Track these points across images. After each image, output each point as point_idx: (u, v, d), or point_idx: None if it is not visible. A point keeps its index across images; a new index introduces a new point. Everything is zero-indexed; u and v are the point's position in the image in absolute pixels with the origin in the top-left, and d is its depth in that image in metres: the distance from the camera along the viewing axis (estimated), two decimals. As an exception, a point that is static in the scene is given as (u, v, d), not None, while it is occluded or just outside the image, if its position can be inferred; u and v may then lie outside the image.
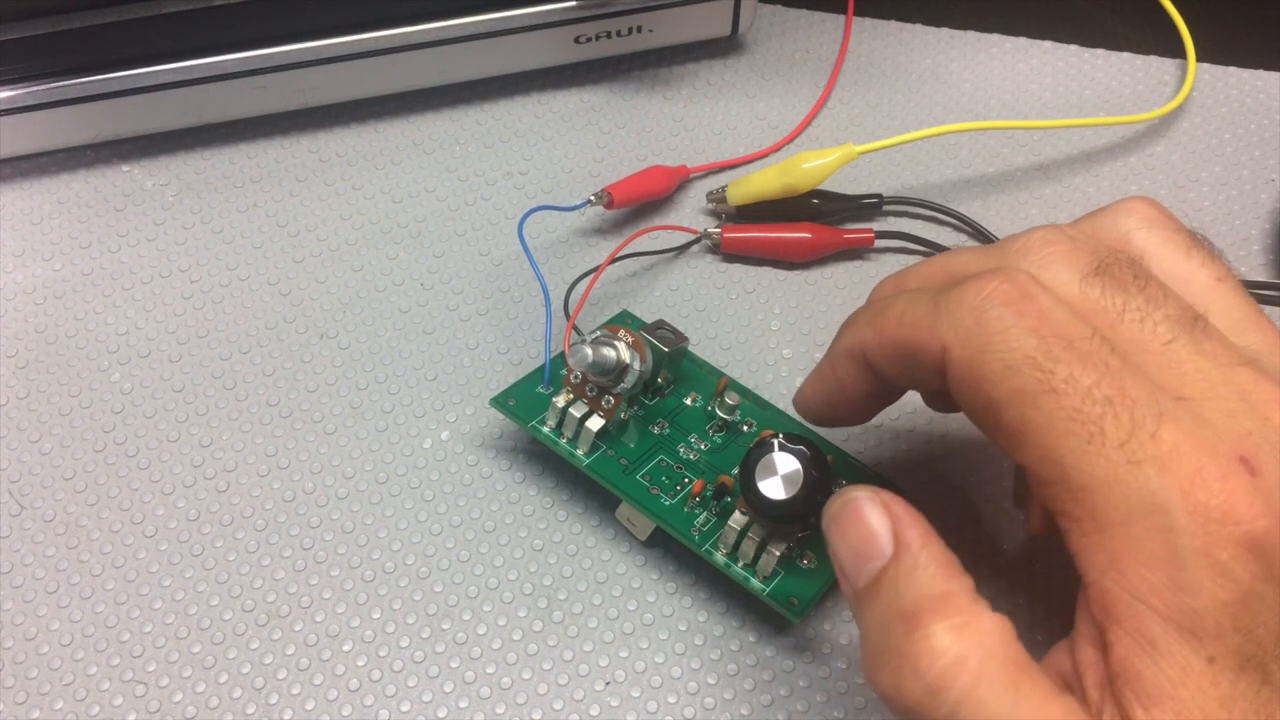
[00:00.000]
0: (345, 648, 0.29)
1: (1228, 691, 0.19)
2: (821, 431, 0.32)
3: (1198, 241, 0.24)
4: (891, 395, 0.26)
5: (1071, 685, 0.21)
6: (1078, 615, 0.21)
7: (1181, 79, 0.42)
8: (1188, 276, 0.23)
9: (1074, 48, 0.43)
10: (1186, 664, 0.19)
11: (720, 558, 0.28)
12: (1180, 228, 0.24)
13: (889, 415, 0.34)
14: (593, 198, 0.37)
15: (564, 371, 0.30)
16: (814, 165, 0.37)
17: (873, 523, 0.22)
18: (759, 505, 0.27)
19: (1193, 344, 0.21)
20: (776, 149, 0.40)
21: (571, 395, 0.30)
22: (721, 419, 0.31)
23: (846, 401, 0.26)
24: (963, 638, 0.20)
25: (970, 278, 0.22)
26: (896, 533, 0.22)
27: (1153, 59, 0.43)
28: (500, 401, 0.31)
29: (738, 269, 0.37)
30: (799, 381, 0.32)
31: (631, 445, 0.30)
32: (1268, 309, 0.36)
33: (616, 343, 0.30)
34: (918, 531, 0.22)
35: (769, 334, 0.36)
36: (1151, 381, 0.20)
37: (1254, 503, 0.19)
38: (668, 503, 0.29)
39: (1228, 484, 0.19)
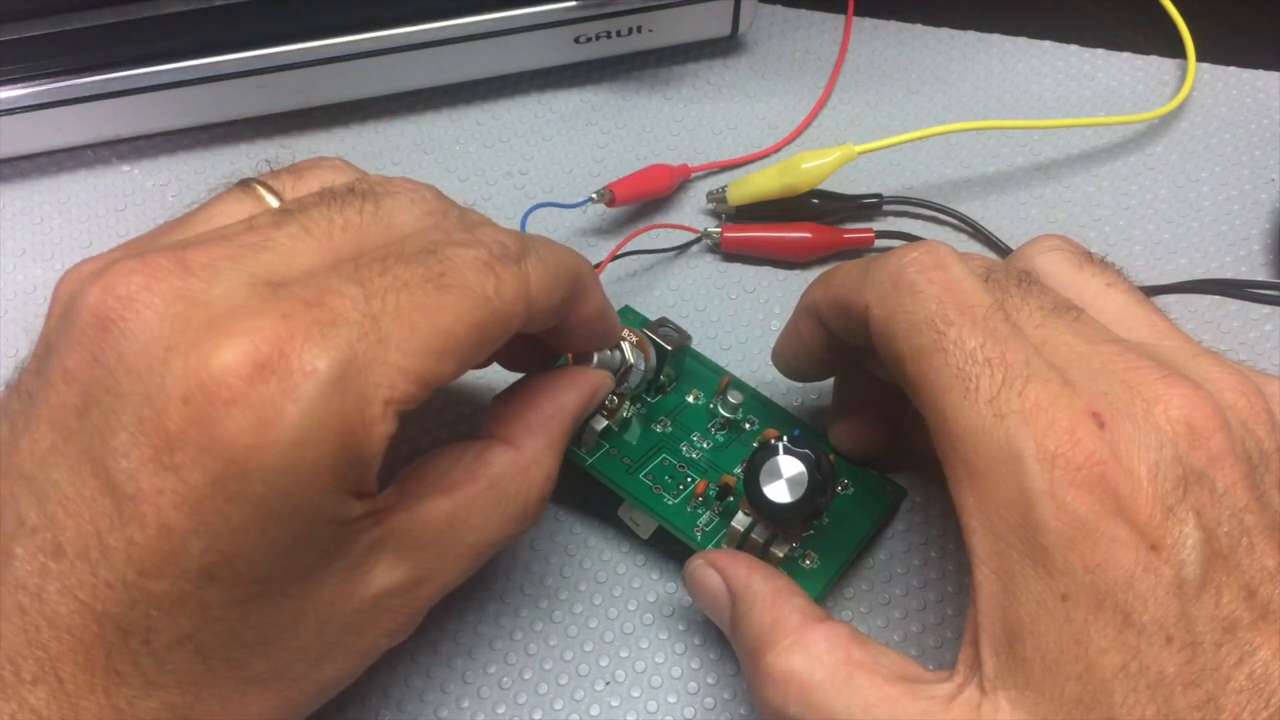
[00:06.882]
0: (346, 648, 0.29)
1: (1081, 629, 0.20)
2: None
3: (1090, 258, 0.26)
4: (845, 352, 0.28)
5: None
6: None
7: (1181, 79, 0.42)
8: (1080, 285, 0.25)
9: (1074, 48, 0.43)
10: (1042, 599, 0.21)
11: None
12: (1075, 249, 0.26)
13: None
14: (595, 195, 0.37)
15: (565, 371, 0.30)
16: (814, 165, 0.37)
17: (710, 583, 0.26)
18: (764, 509, 0.27)
19: (1064, 325, 0.23)
20: (776, 149, 0.40)
21: (573, 394, 0.30)
22: (724, 417, 0.31)
23: (807, 353, 0.29)
24: (792, 656, 0.23)
25: (900, 248, 0.25)
26: (728, 584, 0.26)
27: (1153, 59, 0.43)
28: (501, 401, 0.31)
29: (738, 268, 0.37)
30: (798, 382, 0.32)
31: (634, 443, 0.30)
32: (1267, 309, 0.36)
33: (621, 343, 0.30)
34: (744, 576, 0.26)
35: (769, 334, 0.36)
36: (1033, 348, 0.22)
37: (1096, 450, 0.21)
38: (671, 502, 0.29)
39: (1075, 435, 0.21)
